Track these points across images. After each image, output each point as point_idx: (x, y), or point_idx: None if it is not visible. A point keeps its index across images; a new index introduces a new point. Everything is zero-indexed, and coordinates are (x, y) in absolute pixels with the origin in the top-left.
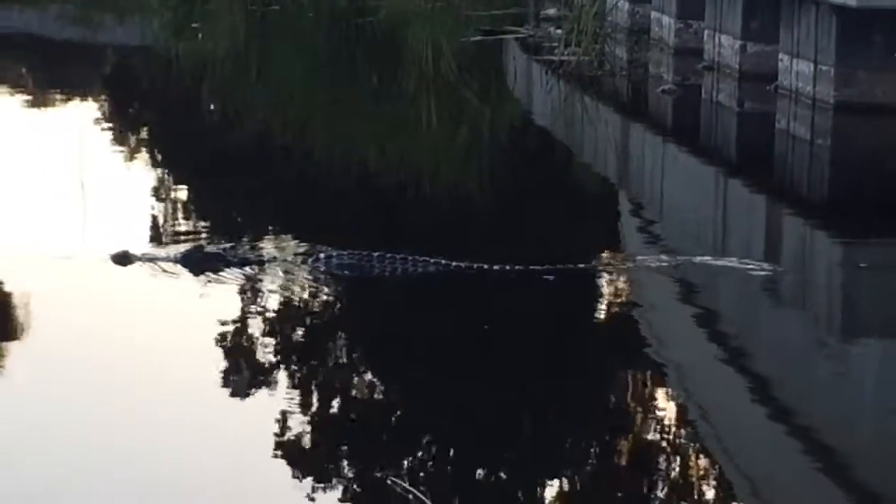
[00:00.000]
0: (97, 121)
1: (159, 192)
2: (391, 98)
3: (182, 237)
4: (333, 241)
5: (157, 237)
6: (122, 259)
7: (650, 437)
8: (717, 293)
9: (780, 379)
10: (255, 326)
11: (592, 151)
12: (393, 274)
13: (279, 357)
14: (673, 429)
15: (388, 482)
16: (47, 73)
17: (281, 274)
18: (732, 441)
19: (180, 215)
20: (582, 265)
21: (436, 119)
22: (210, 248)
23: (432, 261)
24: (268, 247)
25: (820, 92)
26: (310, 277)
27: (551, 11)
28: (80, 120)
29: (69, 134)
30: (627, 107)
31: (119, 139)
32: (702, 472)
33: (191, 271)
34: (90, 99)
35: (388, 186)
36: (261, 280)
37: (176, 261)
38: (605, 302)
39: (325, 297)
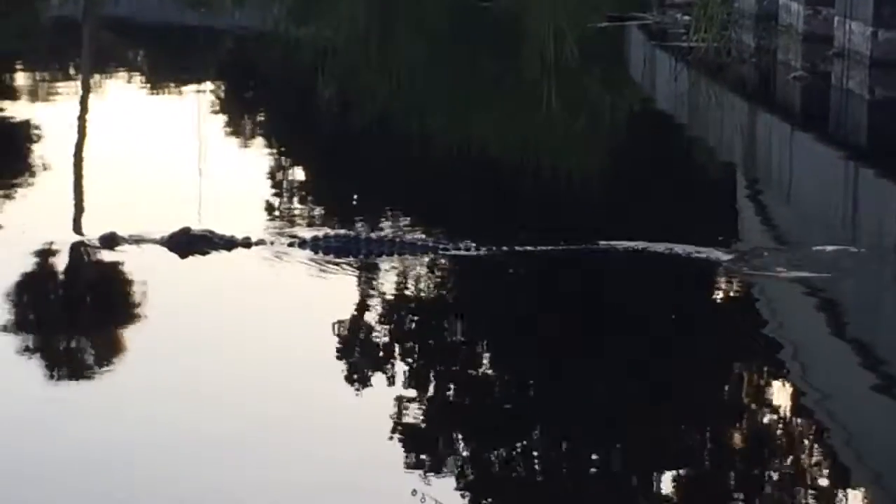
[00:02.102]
0: (214, 106)
1: (273, 177)
2: (511, 84)
3: (295, 221)
4: (450, 225)
5: (270, 220)
6: (109, 240)
7: (769, 423)
8: (842, 282)
9: None
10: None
11: (718, 138)
12: (380, 256)
13: (397, 345)
14: (792, 415)
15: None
16: (165, 59)
17: (272, 256)
18: (853, 426)
19: (294, 199)
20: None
21: (556, 105)
22: (197, 230)
23: (431, 244)
24: (257, 229)
25: None
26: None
27: None
28: (196, 105)
29: (186, 119)
30: (755, 93)
31: (235, 124)
32: (823, 460)
33: (177, 253)
34: (208, 84)
35: (506, 171)
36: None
37: (162, 242)
38: (730, 288)
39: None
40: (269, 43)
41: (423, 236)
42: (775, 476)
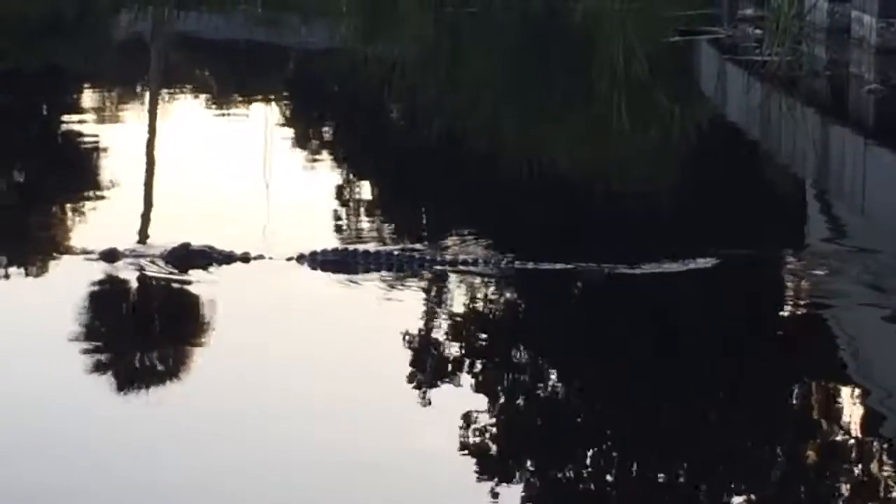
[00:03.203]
0: (281, 122)
1: (340, 193)
2: (581, 98)
3: (361, 237)
4: (520, 242)
5: (336, 236)
6: (110, 256)
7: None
8: None
9: None
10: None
11: (790, 152)
12: (379, 270)
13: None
14: (862, 426)
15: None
16: (233, 75)
17: (276, 272)
18: None
19: (361, 215)
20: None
21: (626, 120)
22: (196, 245)
23: (429, 258)
24: (255, 245)
25: None
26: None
27: (748, 12)
28: (263, 122)
29: (252, 136)
30: (828, 107)
31: (302, 140)
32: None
33: (176, 268)
34: (275, 100)
35: (577, 186)
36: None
37: (162, 257)
38: (799, 299)
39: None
40: (337, 59)
41: (423, 250)
42: (847, 487)
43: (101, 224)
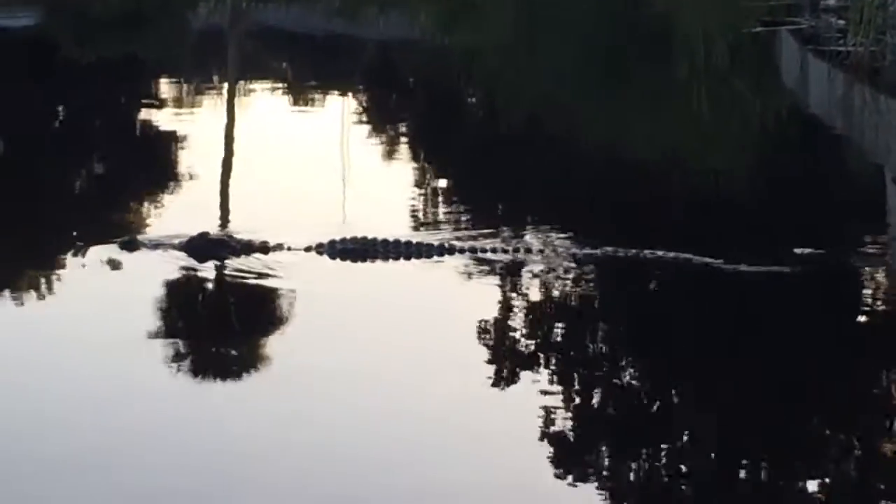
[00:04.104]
0: (358, 113)
1: (418, 183)
2: (661, 88)
3: (435, 226)
4: (594, 231)
5: (414, 226)
6: (129, 244)
7: None
8: None
9: None
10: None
11: (873, 144)
12: (397, 259)
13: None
14: None
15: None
16: (309, 67)
17: (291, 261)
18: None
19: (438, 205)
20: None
21: (706, 110)
22: (214, 235)
23: (437, 245)
24: (274, 234)
25: None
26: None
27: (831, 2)
28: (338, 113)
29: (329, 126)
30: None
31: (378, 131)
32: None
33: (194, 257)
34: (351, 92)
35: (655, 176)
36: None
37: (180, 247)
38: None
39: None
40: (415, 50)
41: (442, 239)
42: None
43: (168, 212)
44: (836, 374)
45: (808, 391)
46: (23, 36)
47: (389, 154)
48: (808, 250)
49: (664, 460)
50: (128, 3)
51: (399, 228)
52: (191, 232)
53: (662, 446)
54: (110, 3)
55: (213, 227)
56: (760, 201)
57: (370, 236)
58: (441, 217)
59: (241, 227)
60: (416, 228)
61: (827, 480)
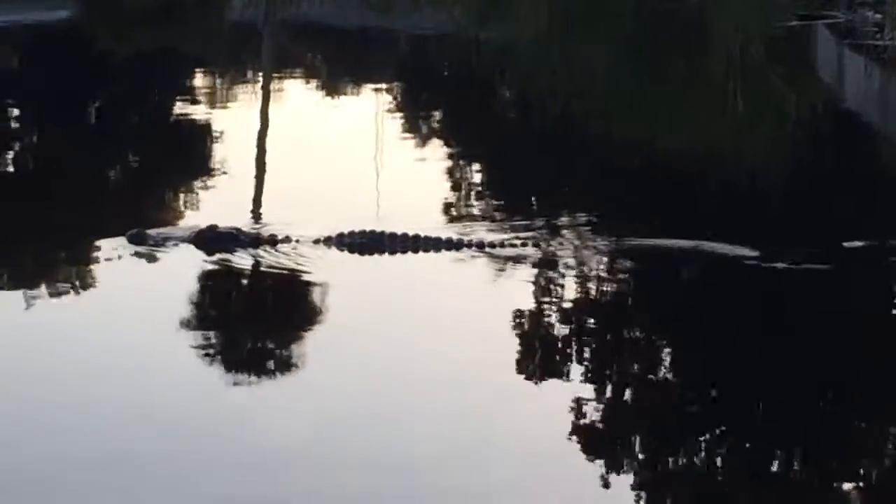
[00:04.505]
0: (391, 107)
1: (451, 176)
2: (696, 83)
3: (466, 220)
4: (628, 225)
5: (447, 220)
6: (137, 238)
7: None
8: None
9: None
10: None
11: None
12: (405, 252)
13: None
14: None
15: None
16: (343, 61)
17: (296, 254)
18: None
19: (470, 199)
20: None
21: (742, 105)
22: (223, 227)
23: (444, 239)
24: (282, 227)
25: None
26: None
27: None
28: (373, 106)
29: (363, 120)
30: None
31: (411, 125)
32: None
33: (203, 250)
34: (384, 86)
35: (689, 170)
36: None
37: (189, 239)
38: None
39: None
40: (450, 44)
41: (450, 232)
42: None
43: (191, 204)
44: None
45: (858, 388)
46: (59, 29)
47: (420, 147)
48: (857, 243)
49: (708, 460)
50: None
51: (427, 221)
52: (208, 224)
53: (707, 445)
54: None
55: (235, 220)
56: (797, 195)
57: (378, 230)
58: (471, 210)
59: (260, 220)
60: (449, 221)
61: (874, 480)
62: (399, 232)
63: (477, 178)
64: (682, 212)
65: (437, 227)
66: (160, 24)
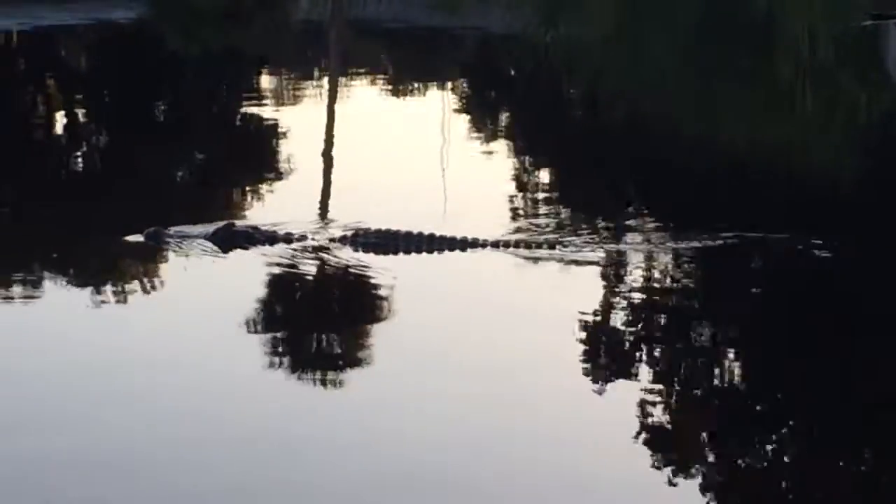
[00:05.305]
0: (457, 106)
1: (517, 178)
2: (765, 82)
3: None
4: (695, 224)
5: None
6: (155, 236)
7: None
8: None
9: None
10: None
11: None
12: (419, 252)
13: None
14: None
15: None
16: (409, 61)
17: (316, 253)
18: None
19: (538, 199)
20: None
21: (810, 105)
22: (240, 225)
23: (459, 238)
24: (297, 225)
25: None
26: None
27: None
28: (439, 106)
29: (428, 120)
30: None
31: (478, 124)
32: None
33: (220, 248)
34: (451, 86)
35: (758, 169)
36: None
37: (206, 237)
38: None
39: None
40: (517, 44)
41: (463, 232)
42: None
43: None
44: None
45: None
46: (127, 29)
47: (486, 146)
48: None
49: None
50: None
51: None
52: (226, 222)
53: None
54: None
55: (296, 217)
56: (868, 195)
57: (393, 228)
58: (533, 210)
59: (326, 217)
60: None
61: None
62: (415, 231)
63: (541, 177)
64: (751, 210)
65: (495, 226)
66: (227, 24)
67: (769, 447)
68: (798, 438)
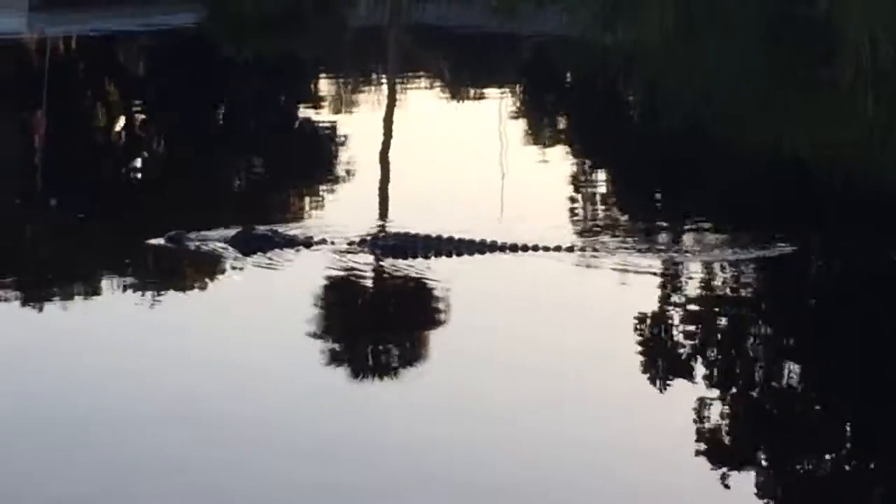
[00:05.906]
0: (515, 110)
1: (573, 182)
2: (825, 89)
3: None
4: (756, 229)
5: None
6: (176, 239)
7: None
8: None
9: None
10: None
11: None
12: (438, 255)
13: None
14: None
15: None
16: (467, 65)
17: (336, 256)
18: None
19: (595, 204)
20: None
21: (873, 110)
22: (260, 229)
23: (478, 241)
24: (317, 229)
25: None
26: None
27: None
28: (497, 110)
29: (486, 124)
30: None
31: (535, 128)
32: None
33: (240, 251)
34: (508, 90)
35: (818, 174)
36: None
37: (226, 241)
38: None
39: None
40: (574, 48)
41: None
42: None
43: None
44: None
45: None
46: (184, 34)
47: (543, 151)
48: None
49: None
50: (287, 1)
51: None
52: (246, 225)
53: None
54: (269, 1)
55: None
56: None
57: (412, 232)
58: (591, 215)
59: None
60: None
61: None
62: (433, 234)
63: (597, 182)
64: (814, 215)
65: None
66: (282, 30)
67: (827, 456)
68: (857, 447)
